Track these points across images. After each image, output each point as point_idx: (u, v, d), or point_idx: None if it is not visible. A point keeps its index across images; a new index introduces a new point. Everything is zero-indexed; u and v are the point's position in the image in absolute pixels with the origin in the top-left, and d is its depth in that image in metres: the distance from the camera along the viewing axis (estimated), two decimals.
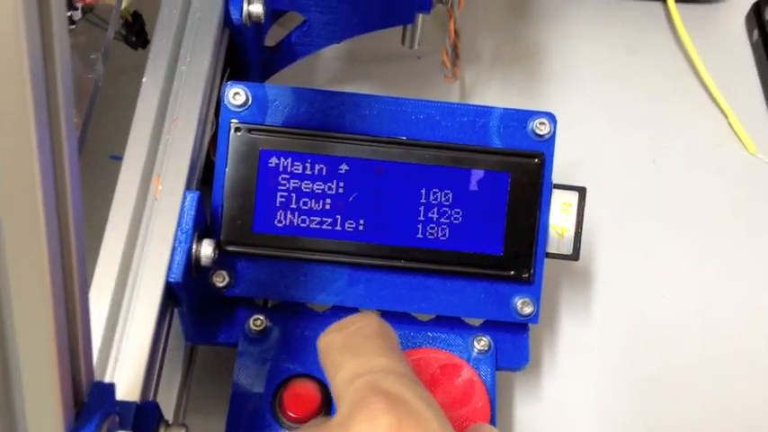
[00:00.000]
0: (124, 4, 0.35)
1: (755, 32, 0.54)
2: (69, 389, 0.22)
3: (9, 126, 0.18)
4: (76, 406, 0.23)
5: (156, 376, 0.32)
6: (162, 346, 0.33)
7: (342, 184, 0.36)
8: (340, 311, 0.37)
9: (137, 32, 0.37)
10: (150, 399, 0.31)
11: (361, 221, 0.36)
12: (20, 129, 0.18)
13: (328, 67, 0.51)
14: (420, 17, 0.45)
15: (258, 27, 0.42)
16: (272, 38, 0.46)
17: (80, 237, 0.22)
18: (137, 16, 0.37)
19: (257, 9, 0.39)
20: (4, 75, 0.18)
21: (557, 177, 0.37)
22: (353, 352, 0.27)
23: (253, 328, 0.36)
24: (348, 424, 0.25)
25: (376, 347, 0.27)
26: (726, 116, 0.51)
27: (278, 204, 0.35)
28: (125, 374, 0.30)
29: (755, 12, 0.54)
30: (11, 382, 0.21)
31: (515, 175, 0.36)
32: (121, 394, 0.29)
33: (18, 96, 0.18)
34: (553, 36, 0.54)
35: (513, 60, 0.52)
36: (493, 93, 0.51)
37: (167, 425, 0.29)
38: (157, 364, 0.32)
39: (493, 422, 0.35)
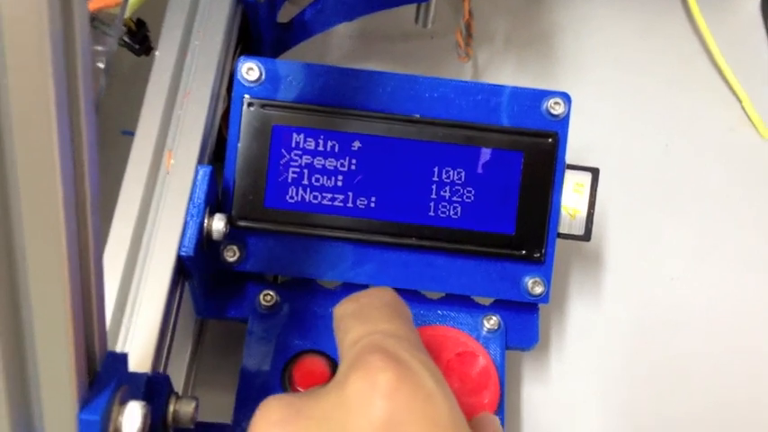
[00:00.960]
0: (127, 13, 0.35)
1: None
2: (83, 358, 0.22)
3: (31, 104, 0.18)
4: (90, 375, 0.23)
5: (166, 349, 0.32)
6: (173, 319, 0.33)
7: (354, 161, 0.35)
8: (350, 288, 0.37)
9: (140, 40, 0.37)
10: (161, 371, 0.31)
11: (373, 198, 0.35)
12: (41, 105, 0.18)
13: (340, 45, 0.51)
14: None
15: (271, 3, 0.41)
16: (285, 15, 0.46)
17: (95, 209, 0.22)
18: (140, 24, 0.37)
19: None
20: (27, 54, 0.18)
21: (569, 160, 0.37)
22: (362, 319, 0.28)
23: (263, 303, 0.36)
24: (346, 381, 0.25)
25: (383, 315, 0.28)
26: (740, 100, 0.51)
27: (290, 180, 0.35)
28: (136, 346, 0.30)
29: None
30: (25, 350, 0.21)
31: (529, 155, 0.36)
32: (133, 366, 0.29)
33: (39, 74, 0.18)
34: (567, 18, 0.53)
35: (526, 42, 0.52)
36: (506, 74, 0.50)
37: (178, 397, 0.29)
38: (168, 337, 0.32)
39: (502, 402, 0.35)
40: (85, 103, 0.20)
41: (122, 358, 0.25)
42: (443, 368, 0.34)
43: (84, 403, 0.22)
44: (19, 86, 0.18)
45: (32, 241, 0.20)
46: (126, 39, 0.37)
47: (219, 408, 0.37)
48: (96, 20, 0.36)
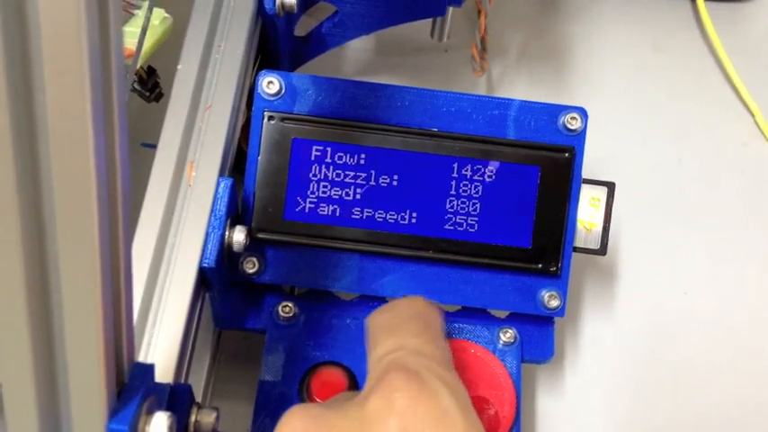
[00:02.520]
0: (139, 64, 0.36)
1: None
2: (113, 368, 0.23)
3: (70, 121, 0.19)
4: (118, 386, 0.24)
5: (188, 360, 0.33)
6: (194, 330, 0.33)
7: (373, 175, 0.36)
8: (368, 300, 0.37)
9: (151, 87, 0.38)
10: (182, 381, 0.32)
11: (391, 212, 0.36)
12: (79, 123, 0.19)
13: (355, 58, 0.51)
14: (450, 10, 0.45)
15: (290, 17, 0.42)
16: (302, 28, 0.46)
17: (126, 222, 0.22)
18: (151, 71, 0.38)
19: None
20: (67, 71, 0.18)
21: (583, 173, 0.37)
22: (390, 331, 0.28)
23: (281, 314, 0.36)
24: (367, 398, 0.26)
25: (413, 328, 0.28)
26: (753, 115, 0.51)
27: (309, 193, 0.36)
28: (159, 357, 0.31)
29: None
30: (56, 360, 0.22)
31: (545, 169, 0.36)
32: (156, 376, 0.30)
33: (78, 91, 0.18)
34: (580, 32, 0.54)
35: (539, 55, 0.52)
36: (519, 87, 0.51)
37: (199, 407, 0.29)
38: (189, 348, 0.33)
39: (518, 415, 0.35)
40: (119, 113, 0.20)
41: (149, 369, 0.25)
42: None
43: (113, 413, 0.23)
44: (56, 99, 0.18)
45: (65, 251, 0.20)
46: (137, 86, 0.37)
47: (238, 418, 0.37)
48: None
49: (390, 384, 0.26)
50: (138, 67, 0.36)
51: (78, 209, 0.20)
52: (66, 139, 0.19)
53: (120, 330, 0.23)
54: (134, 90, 0.38)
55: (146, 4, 0.36)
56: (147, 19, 0.36)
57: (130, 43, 0.35)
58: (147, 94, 0.38)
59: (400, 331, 0.28)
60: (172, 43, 0.38)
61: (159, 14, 0.37)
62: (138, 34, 0.35)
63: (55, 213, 0.20)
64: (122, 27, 0.36)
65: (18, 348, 0.21)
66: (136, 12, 0.37)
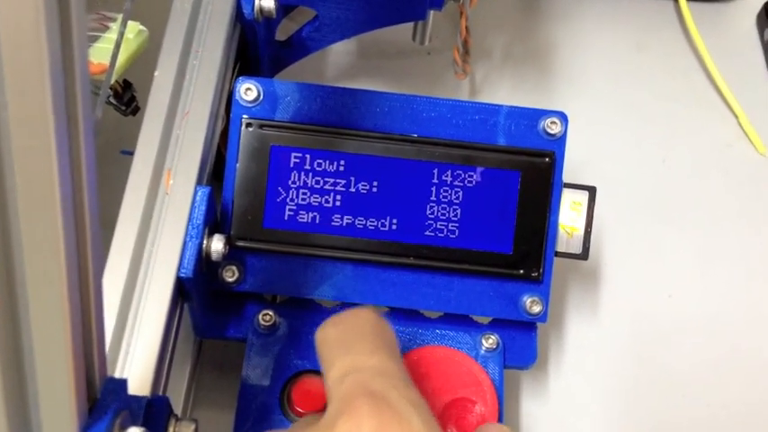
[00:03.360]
0: (113, 78, 0.35)
1: (766, 32, 0.53)
2: (83, 385, 0.22)
3: (31, 126, 0.18)
4: (89, 401, 0.23)
5: (166, 371, 0.32)
6: (172, 340, 0.33)
7: (352, 181, 0.36)
8: (348, 307, 0.37)
9: (127, 101, 0.37)
10: (160, 393, 0.31)
11: (371, 218, 0.36)
12: (40, 127, 0.18)
13: (338, 62, 0.51)
14: (431, 13, 0.44)
15: (269, 22, 0.42)
16: (283, 31, 0.46)
17: (96, 233, 0.22)
18: (127, 85, 0.37)
19: (269, 4, 0.39)
20: (26, 73, 0.18)
21: (565, 175, 0.37)
22: (346, 348, 0.28)
23: (262, 323, 0.36)
24: (334, 425, 0.25)
25: (368, 345, 0.28)
26: (736, 116, 0.51)
27: (288, 200, 0.35)
28: (136, 369, 0.30)
29: (767, 11, 0.54)
30: (25, 377, 0.21)
31: (526, 174, 0.36)
32: (132, 389, 0.29)
33: (39, 95, 0.18)
34: (563, 33, 0.53)
35: (522, 58, 0.52)
36: (503, 90, 0.51)
37: (177, 419, 0.29)
38: (167, 359, 0.32)
39: (500, 420, 0.35)
40: (84, 124, 0.20)
41: (122, 384, 0.25)
42: (440, 391, 0.35)
43: (84, 430, 0.23)
44: (18, 111, 0.18)
45: (32, 269, 0.20)
46: (112, 100, 0.37)
47: (219, 427, 0.37)
48: None
49: (358, 410, 0.25)
50: (112, 81, 0.36)
51: (42, 224, 0.19)
52: (30, 154, 0.19)
53: (90, 346, 0.23)
54: (110, 104, 0.37)
55: (119, 19, 0.36)
56: (121, 34, 0.35)
57: (105, 57, 0.35)
58: (124, 108, 0.37)
59: (355, 348, 0.27)
60: (149, 55, 0.37)
61: (134, 28, 0.36)
62: (112, 49, 0.35)
63: (20, 228, 0.20)
64: (96, 42, 0.36)
65: None
66: (111, 25, 0.36)
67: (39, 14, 0.17)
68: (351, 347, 0.28)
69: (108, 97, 0.37)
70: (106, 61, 0.35)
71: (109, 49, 0.35)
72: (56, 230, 0.20)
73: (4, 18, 0.17)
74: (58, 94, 0.18)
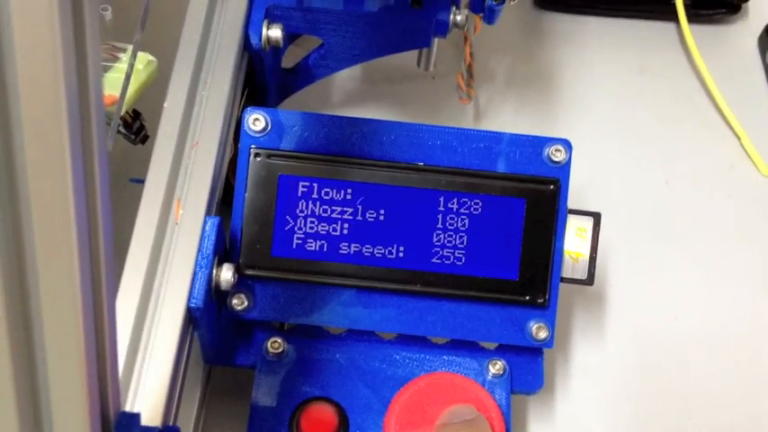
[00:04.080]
0: (123, 110, 0.36)
1: None
2: (98, 421, 0.23)
3: (45, 153, 0.19)
4: None
5: (177, 400, 0.33)
6: (183, 369, 0.33)
7: (359, 209, 0.36)
8: (357, 334, 0.37)
9: (136, 131, 0.38)
10: (171, 422, 0.32)
11: (379, 246, 0.36)
12: (55, 154, 0.19)
13: (343, 87, 0.52)
14: (436, 40, 0.45)
15: (276, 50, 0.42)
16: (290, 57, 0.46)
17: (110, 274, 0.22)
18: (136, 114, 0.38)
19: (276, 34, 0.40)
20: (43, 113, 0.18)
21: (569, 197, 0.37)
22: None
23: (271, 350, 0.36)
24: None
25: None
26: (738, 137, 0.51)
27: (296, 229, 0.36)
28: (147, 400, 0.31)
29: None
30: (41, 415, 0.22)
31: (531, 201, 0.36)
32: (144, 419, 0.30)
33: (58, 151, 0.18)
34: (566, 57, 0.54)
35: (526, 81, 0.53)
36: (506, 113, 0.51)
37: None
38: (178, 388, 0.33)
39: None
40: (99, 151, 0.20)
41: (135, 418, 0.25)
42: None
43: None
44: (33, 138, 0.18)
45: (47, 308, 0.20)
46: (122, 130, 0.38)
47: None
48: None
49: None
50: (122, 112, 0.36)
51: (59, 265, 0.20)
52: (46, 196, 0.19)
53: (104, 381, 0.23)
54: (119, 133, 0.38)
55: (129, 50, 0.36)
56: (131, 66, 0.36)
57: (115, 88, 0.35)
58: (133, 137, 0.38)
59: None
60: (159, 83, 0.38)
61: (144, 59, 0.37)
62: (122, 80, 0.35)
63: (37, 269, 0.20)
64: (106, 73, 0.37)
65: (1, 405, 0.21)
66: (121, 55, 0.37)
67: (56, 44, 0.18)
68: None
69: (118, 127, 0.37)
70: (116, 92, 0.36)
71: (119, 80, 0.36)
72: (72, 273, 0.20)
73: (22, 47, 0.17)
74: (74, 129, 0.19)
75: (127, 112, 0.37)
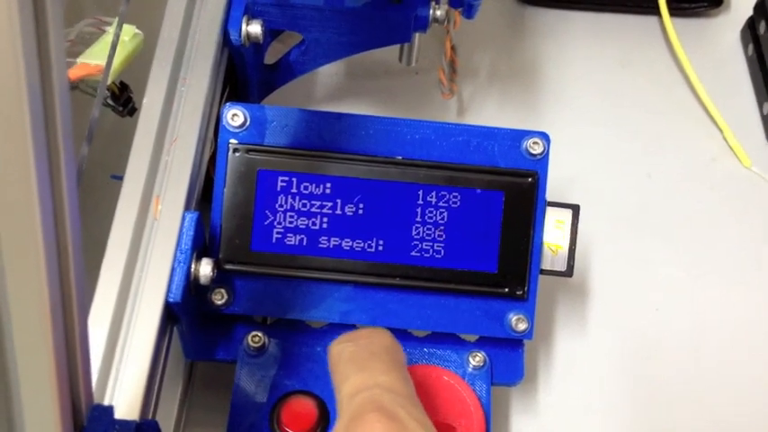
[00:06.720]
0: (110, 80, 0.36)
1: (750, 46, 0.54)
2: (69, 414, 0.23)
3: (7, 148, 0.19)
4: (76, 429, 0.24)
5: (155, 394, 0.33)
6: (161, 364, 0.33)
7: (339, 204, 0.36)
8: (337, 328, 0.37)
9: (124, 102, 0.38)
10: (150, 416, 0.32)
11: (358, 240, 0.36)
12: (18, 149, 0.19)
13: (325, 82, 0.52)
14: (417, 35, 0.45)
15: (257, 46, 0.42)
16: (272, 54, 0.46)
17: (78, 258, 0.22)
18: (123, 86, 0.38)
19: (256, 30, 0.40)
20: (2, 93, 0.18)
21: (552, 191, 0.37)
22: (360, 365, 0.29)
23: (251, 344, 0.36)
24: None
25: (382, 364, 0.28)
26: (720, 130, 0.52)
27: (275, 223, 0.36)
28: (125, 393, 0.31)
29: (750, 26, 0.54)
30: (11, 408, 0.22)
31: (509, 194, 0.36)
32: (122, 413, 0.30)
33: (16, 112, 0.18)
34: (548, 51, 0.54)
35: (508, 75, 0.53)
36: (489, 108, 0.51)
37: None
38: (157, 383, 0.33)
39: None
40: (65, 149, 0.20)
41: (109, 411, 0.25)
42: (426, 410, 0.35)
43: None
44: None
45: (14, 297, 0.21)
46: (110, 101, 0.38)
47: None
48: (78, 88, 0.37)
49: (369, 425, 0.26)
50: (109, 82, 0.36)
51: (25, 260, 0.20)
52: (11, 190, 0.19)
53: (75, 374, 0.23)
54: (107, 105, 0.38)
55: (115, 21, 0.37)
56: (117, 36, 0.36)
57: (102, 59, 0.36)
58: (121, 108, 0.38)
59: (370, 367, 0.28)
60: (144, 58, 0.38)
61: (130, 31, 0.37)
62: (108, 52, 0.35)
63: (3, 263, 0.20)
64: (93, 45, 0.37)
65: None
66: (107, 28, 0.37)
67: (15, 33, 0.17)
68: (364, 365, 0.29)
69: (105, 98, 0.38)
70: (103, 62, 0.36)
71: (105, 51, 0.36)
72: (37, 253, 0.20)
73: None
74: (37, 124, 0.19)
75: (114, 84, 0.37)
